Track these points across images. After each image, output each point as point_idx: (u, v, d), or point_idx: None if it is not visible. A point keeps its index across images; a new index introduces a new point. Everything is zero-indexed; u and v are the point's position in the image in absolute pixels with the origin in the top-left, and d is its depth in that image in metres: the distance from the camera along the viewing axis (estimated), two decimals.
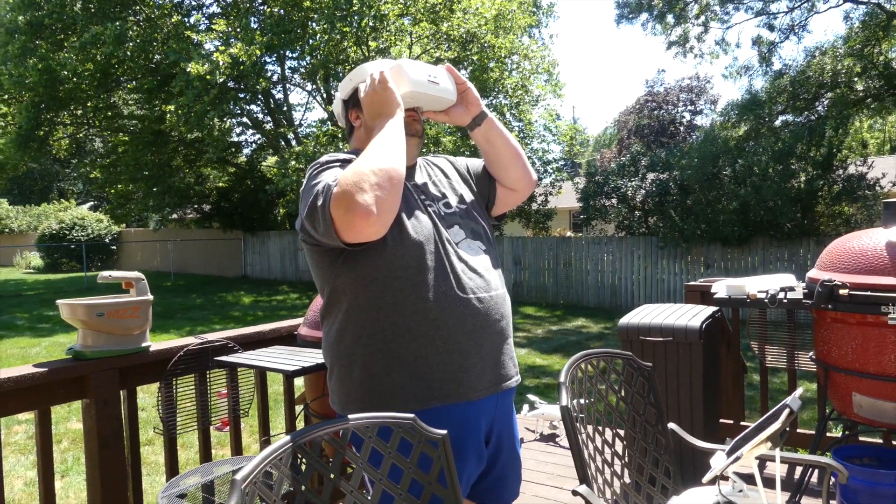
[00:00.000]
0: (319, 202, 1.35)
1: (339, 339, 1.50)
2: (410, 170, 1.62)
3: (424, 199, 1.56)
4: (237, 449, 2.69)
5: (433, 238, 1.49)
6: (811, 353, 2.64)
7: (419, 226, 1.49)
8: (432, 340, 1.44)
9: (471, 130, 1.66)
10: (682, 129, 29.03)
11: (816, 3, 15.21)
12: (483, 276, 1.52)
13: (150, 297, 2.30)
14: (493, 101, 15.24)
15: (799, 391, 1.45)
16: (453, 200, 1.62)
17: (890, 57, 14.01)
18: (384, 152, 1.37)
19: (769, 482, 2.39)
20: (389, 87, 1.48)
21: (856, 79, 13.72)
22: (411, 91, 1.53)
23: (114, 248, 25.31)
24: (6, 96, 15.64)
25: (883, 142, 25.89)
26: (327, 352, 1.55)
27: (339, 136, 13.54)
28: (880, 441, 2.90)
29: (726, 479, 1.46)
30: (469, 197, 1.68)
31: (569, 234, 20.27)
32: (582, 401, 1.70)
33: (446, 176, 1.70)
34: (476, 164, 1.78)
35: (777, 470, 1.34)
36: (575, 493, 1.45)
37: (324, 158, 1.51)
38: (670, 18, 15.87)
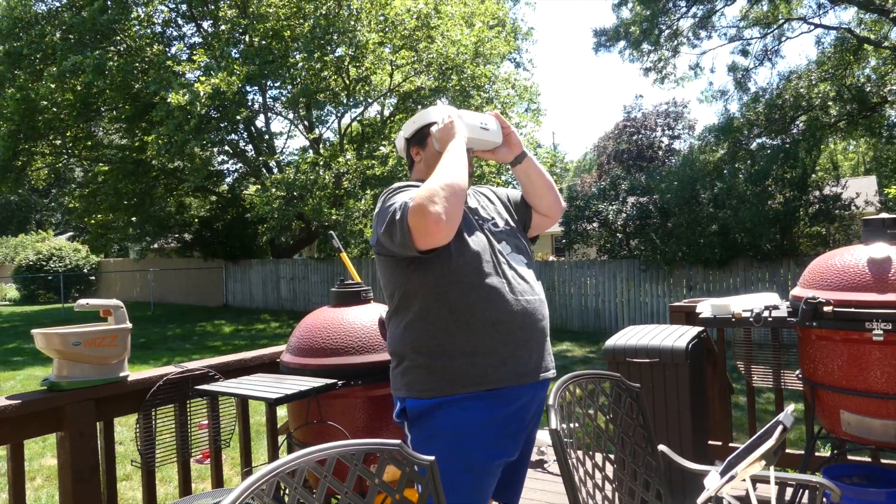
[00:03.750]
0: (398, 216, 1.64)
1: (408, 332, 1.77)
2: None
3: (478, 218, 1.87)
4: (218, 481, 2.62)
5: (488, 249, 1.79)
6: (797, 372, 2.64)
7: (476, 239, 1.78)
8: (489, 333, 1.71)
9: (513, 167, 1.97)
10: (660, 153, 29.46)
11: (786, 30, 15.64)
12: (529, 283, 1.81)
13: (128, 325, 2.24)
14: None
15: (791, 407, 1.44)
16: (500, 222, 1.93)
17: (861, 80, 14.38)
18: (450, 170, 1.68)
19: (763, 503, 2.36)
20: (455, 121, 1.82)
21: (829, 102, 14.05)
22: (466, 136, 1.82)
23: (92, 278, 24.92)
24: None
25: (857, 163, 26.46)
26: (397, 343, 1.81)
27: (321, 163, 13.54)
28: (868, 459, 2.89)
29: (720, 500, 1.44)
30: (510, 220, 1.98)
31: (551, 258, 20.35)
32: (572, 424, 1.68)
33: (491, 202, 2.01)
34: (514, 194, 2.08)
35: (773, 490, 1.32)
36: None
37: (395, 185, 1.82)
38: (646, 46, 16.20)
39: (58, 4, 15.46)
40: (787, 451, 3.20)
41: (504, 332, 1.73)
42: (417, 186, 1.73)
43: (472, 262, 1.73)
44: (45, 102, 13.93)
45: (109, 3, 14.00)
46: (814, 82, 14.28)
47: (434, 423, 1.70)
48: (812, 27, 15.12)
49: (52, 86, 13.62)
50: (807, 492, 2.49)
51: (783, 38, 15.70)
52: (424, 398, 1.73)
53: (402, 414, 1.78)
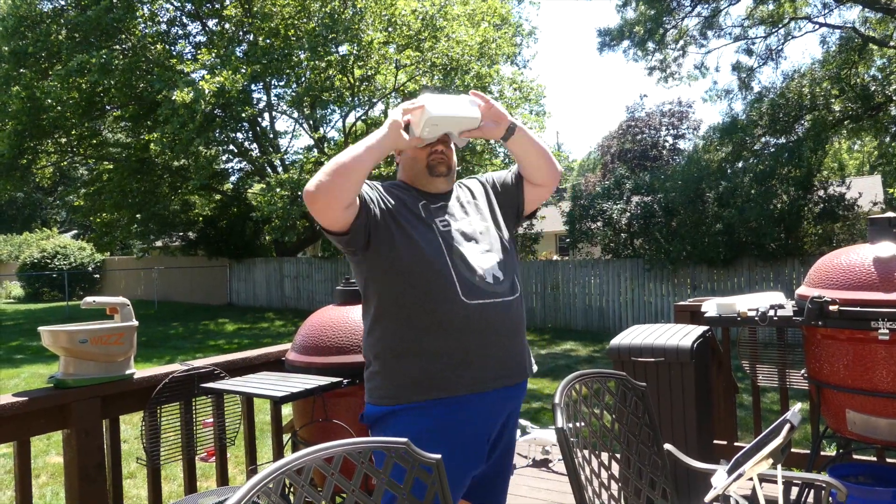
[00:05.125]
0: None
1: (369, 336, 1.77)
2: (440, 196, 1.87)
3: (443, 218, 1.81)
4: (223, 479, 2.62)
5: (442, 251, 1.73)
6: (803, 371, 2.64)
7: (429, 241, 1.73)
8: (439, 337, 1.68)
9: (505, 142, 1.86)
10: (664, 152, 29.40)
11: (792, 29, 15.58)
12: (491, 283, 1.74)
13: (135, 322, 2.25)
14: None
15: (798, 406, 1.43)
16: (475, 218, 1.87)
17: (866, 79, 14.33)
18: (344, 152, 1.65)
19: (770, 502, 2.36)
20: (400, 112, 1.73)
21: (833, 101, 14.00)
22: (432, 117, 1.71)
23: (97, 276, 24.97)
24: None
25: (862, 163, 26.37)
26: (363, 347, 1.82)
27: (324, 162, 13.53)
28: (874, 458, 2.88)
29: (727, 498, 1.43)
30: (490, 214, 1.92)
31: (555, 257, 20.33)
32: (578, 423, 1.67)
33: (473, 196, 1.95)
34: (501, 176, 2.01)
35: (780, 489, 1.32)
36: None
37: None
38: (651, 45, 16.15)
39: (63, 3, 15.50)
40: (793, 450, 3.19)
41: (455, 336, 1.68)
42: (376, 187, 1.78)
43: (420, 264, 1.70)
44: (51, 101, 13.96)
45: (115, 1, 14.02)
46: (818, 81, 14.23)
47: (387, 432, 1.67)
48: (817, 26, 15.06)
49: (58, 84, 13.64)
50: (812, 491, 2.49)
51: (788, 38, 15.65)
52: (380, 405, 1.72)
53: (364, 419, 1.79)
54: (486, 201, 1.95)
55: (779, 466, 1.28)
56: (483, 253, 1.79)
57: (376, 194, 1.77)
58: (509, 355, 1.76)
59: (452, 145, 1.89)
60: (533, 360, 1.90)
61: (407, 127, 1.72)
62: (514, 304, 1.78)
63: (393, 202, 1.77)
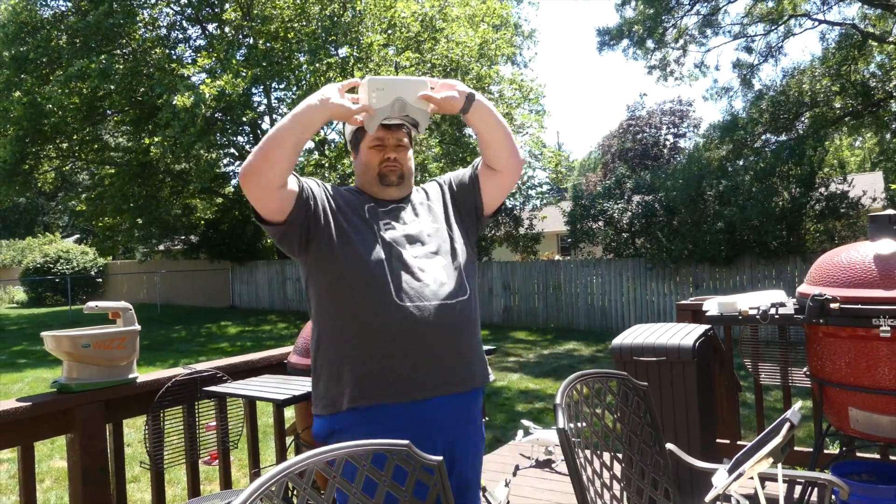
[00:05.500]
0: None
1: (312, 340, 1.73)
2: (393, 201, 1.81)
3: (388, 221, 1.75)
4: (226, 483, 2.63)
5: (380, 254, 1.67)
6: (805, 369, 2.64)
7: (367, 244, 1.68)
8: (372, 343, 1.62)
9: (465, 114, 1.73)
10: (665, 151, 29.40)
11: (792, 26, 15.58)
12: (430, 287, 1.66)
13: (137, 327, 2.26)
14: None
15: (798, 405, 1.44)
16: (425, 220, 1.81)
17: (866, 76, 14.32)
18: (272, 130, 1.58)
19: (771, 501, 2.36)
20: (334, 86, 1.63)
21: (833, 98, 14.00)
22: (374, 80, 1.63)
23: (99, 280, 25.02)
24: None
25: (863, 159, 26.34)
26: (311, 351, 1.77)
27: (326, 164, 13.56)
28: (878, 456, 2.88)
29: (728, 498, 1.44)
30: (445, 215, 1.86)
31: (557, 257, 20.33)
32: (579, 424, 1.68)
33: (428, 198, 1.89)
34: (459, 175, 1.94)
35: (780, 488, 1.32)
36: None
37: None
38: (650, 44, 16.17)
39: (63, 9, 15.54)
40: (796, 448, 3.19)
41: (389, 341, 1.61)
42: (315, 182, 1.75)
43: (355, 266, 1.65)
44: (52, 106, 14.00)
45: (115, 6, 14.05)
46: (818, 78, 14.22)
47: (331, 441, 1.58)
48: (816, 23, 15.07)
49: (59, 90, 13.67)
50: (816, 489, 2.49)
51: (788, 35, 15.65)
52: (323, 415, 1.67)
53: (314, 435, 1.73)
54: (442, 203, 1.88)
55: (779, 465, 1.28)
56: (427, 256, 1.72)
57: (321, 192, 1.72)
58: (452, 361, 1.67)
59: (409, 153, 1.82)
60: (489, 368, 1.82)
61: (353, 93, 1.64)
62: (458, 308, 1.69)
63: (338, 202, 1.73)
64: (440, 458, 1.29)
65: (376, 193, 1.80)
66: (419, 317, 1.62)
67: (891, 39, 14.15)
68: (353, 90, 1.69)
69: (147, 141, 13.75)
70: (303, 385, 2.20)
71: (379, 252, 1.67)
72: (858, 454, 2.92)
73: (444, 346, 1.65)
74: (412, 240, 1.73)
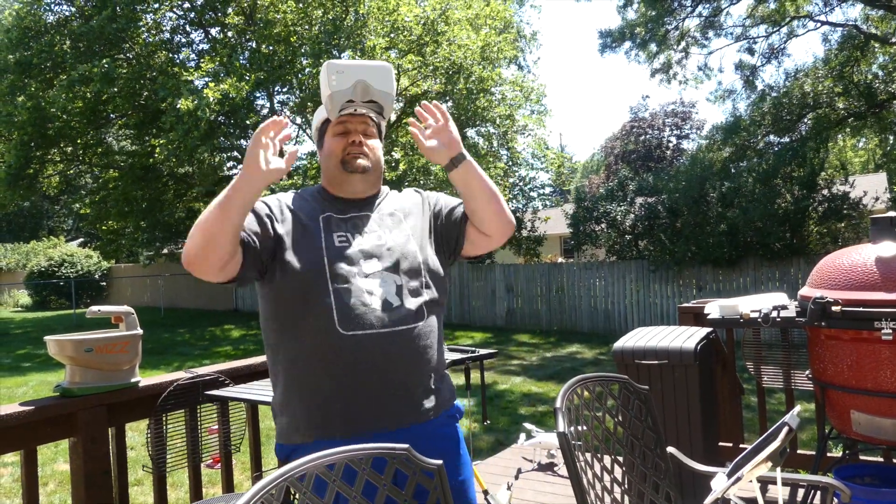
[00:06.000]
0: None
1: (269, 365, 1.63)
2: (355, 203, 1.66)
3: (343, 233, 1.59)
4: (228, 486, 2.63)
5: (325, 274, 1.52)
6: (807, 372, 2.63)
7: (313, 263, 1.53)
8: (309, 373, 1.51)
9: (449, 171, 1.61)
10: (668, 153, 29.37)
11: (794, 27, 15.57)
12: (376, 313, 1.51)
13: (139, 331, 2.27)
14: (481, 130, 15.38)
15: (797, 408, 1.44)
16: (389, 233, 1.63)
17: (869, 77, 14.29)
18: (205, 216, 1.44)
19: None
20: (258, 138, 1.44)
21: (836, 99, 13.98)
22: (332, 64, 1.54)
23: (103, 284, 25.09)
24: None
25: (867, 160, 26.28)
26: None
27: None
28: (881, 459, 2.87)
29: (727, 502, 1.44)
30: (419, 232, 1.68)
31: (560, 260, 20.31)
32: (580, 427, 1.68)
33: (402, 207, 1.71)
34: (448, 201, 1.77)
35: (779, 491, 1.32)
36: None
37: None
38: (653, 46, 16.17)
39: (67, 14, 15.60)
40: (800, 451, 3.19)
41: (326, 371, 1.50)
42: (273, 203, 1.61)
43: (296, 289, 1.52)
44: (56, 111, 14.05)
45: (118, 11, 14.11)
46: (821, 79, 14.21)
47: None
48: (819, 24, 15.05)
49: (63, 94, 13.73)
50: (818, 493, 2.48)
51: (791, 36, 15.65)
52: (278, 442, 1.60)
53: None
54: (420, 216, 1.72)
55: (778, 469, 1.28)
56: (380, 274, 1.56)
57: (267, 219, 1.57)
58: (395, 393, 1.52)
59: (376, 142, 1.67)
60: (446, 399, 1.63)
61: (281, 153, 1.46)
62: (410, 335, 1.54)
63: (287, 222, 1.59)
64: (440, 461, 1.29)
65: (340, 187, 1.66)
66: (361, 346, 1.49)
67: (894, 40, 14.13)
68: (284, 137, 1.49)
69: (153, 143, 13.79)
70: None
71: (323, 273, 1.52)
72: (861, 457, 2.91)
73: (387, 377, 1.51)
74: (368, 255, 1.58)
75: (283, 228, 1.58)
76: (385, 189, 1.76)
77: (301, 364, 1.53)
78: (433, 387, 1.59)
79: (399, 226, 1.66)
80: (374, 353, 1.50)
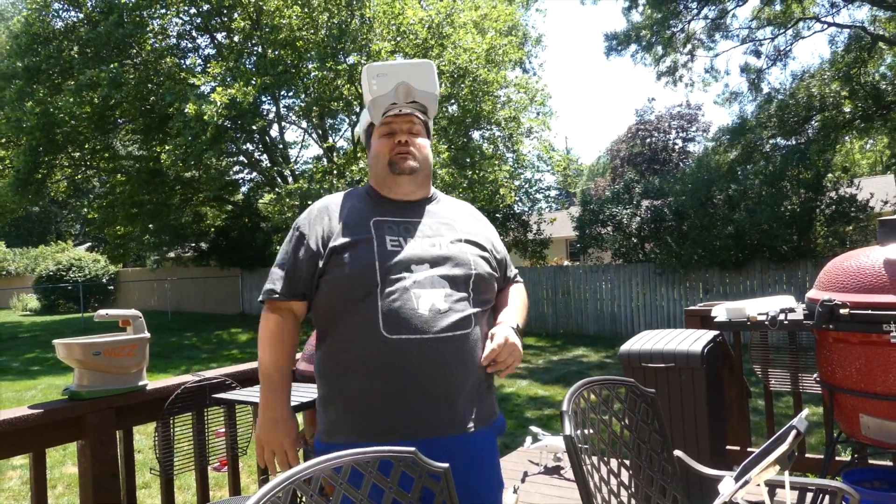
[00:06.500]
0: (265, 287, 1.63)
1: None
2: (405, 207, 1.66)
3: (395, 237, 1.59)
4: (235, 489, 2.64)
5: (374, 277, 1.52)
6: (815, 375, 2.62)
7: (363, 268, 1.53)
8: (353, 376, 1.52)
9: None
10: (674, 155, 29.29)
11: (800, 29, 15.52)
12: (423, 317, 1.50)
13: (147, 334, 2.28)
14: (486, 133, 15.40)
15: (805, 412, 1.43)
16: (445, 241, 1.62)
17: (876, 78, 14.23)
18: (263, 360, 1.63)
19: None
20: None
21: (843, 101, 13.91)
22: (372, 67, 1.56)
23: (111, 288, 25.20)
24: (3, 140, 15.73)
25: (875, 162, 26.15)
26: None
27: (335, 171, 13.62)
28: (890, 463, 2.85)
29: None
30: (472, 243, 1.66)
31: (566, 262, 20.28)
32: (586, 430, 1.67)
33: (457, 219, 1.70)
34: (501, 250, 1.78)
35: (787, 495, 1.32)
36: None
37: (301, 220, 1.66)
38: (659, 49, 16.15)
39: (74, 20, 15.72)
40: (807, 455, 3.17)
41: (368, 375, 1.50)
42: (326, 206, 1.66)
43: (343, 287, 1.54)
44: (64, 116, 14.14)
45: (125, 17, 14.20)
46: (827, 81, 14.15)
47: None
48: (825, 26, 14.99)
49: (71, 100, 13.82)
50: (826, 497, 2.46)
51: (797, 38, 15.59)
52: (317, 439, 1.61)
53: None
54: (475, 228, 1.72)
55: (786, 473, 1.28)
56: (430, 280, 1.54)
57: (315, 240, 1.60)
58: (435, 402, 1.50)
59: (424, 140, 1.66)
60: (488, 414, 1.62)
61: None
62: (455, 343, 1.51)
63: (335, 232, 1.59)
64: (446, 465, 1.29)
65: (390, 188, 1.65)
66: (403, 351, 1.48)
67: None
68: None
69: (159, 149, 13.85)
70: (310, 392, 2.20)
71: (374, 278, 1.52)
72: (871, 461, 2.89)
73: (427, 385, 1.49)
74: (419, 260, 1.56)
75: (332, 240, 1.58)
76: (437, 193, 1.75)
77: (344, 364, 1.54)
78: (476, 399, 1.57)
79: (453, 233, 1.65)
80: (416, 358, 1.48)
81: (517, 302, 1.74)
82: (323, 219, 1.62)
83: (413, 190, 1.67)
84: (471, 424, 1.55)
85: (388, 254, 1.55)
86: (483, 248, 1.67)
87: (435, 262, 1.57)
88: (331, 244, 1.57)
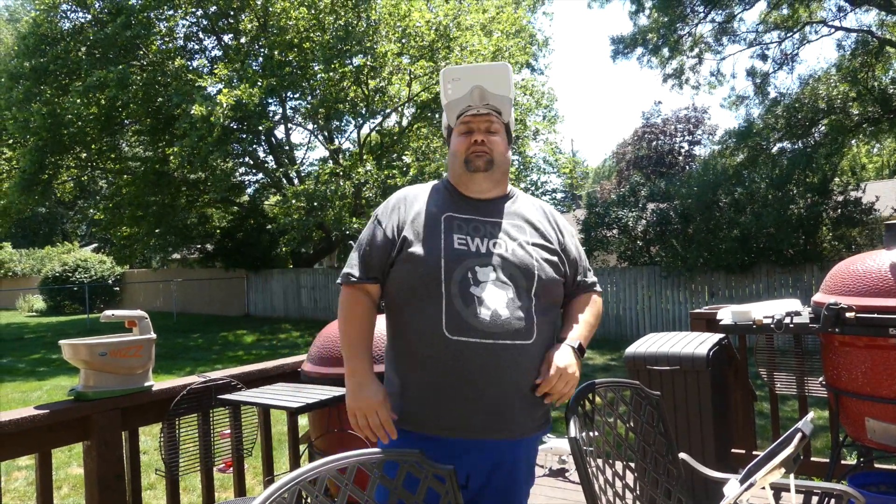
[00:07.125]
0: (343, 271, 1.68)
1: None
2: (481, 204, 1.67)
3: (463, 236, 1.60)
4: (240, 490, 2.64)
5: (439, 275, 1.54)
6: (821, 379, 2.61)
7: (429, 265, 1.56)
8: (414, 370, 1.58)
9: None
10: (680, 158, 29.23)
11: (807, 33, 15.47)
12: (485, 321, 1.51)
13: (153, 335, 2.28)
14: None
15: (811, 415, 1.43)
16: (512, 244, 1.62)
17: (884, 82, 14.17)
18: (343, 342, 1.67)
19: None
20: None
21: (850, 104, 13.86)
22: (448, 71, 1.61)
23: (117, 289, 25.29)
24: (10, 140, 15.81)
25: (882, 166, 26.04)
26: None
27: (340, 173, 13.64)
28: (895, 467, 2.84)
29: None
30: (541, 248, 1.66)
31: None
32: (591, 433, 1.67)
33: (530, 221, 1.70)
34: (572, 253, 1.75)
35: (793, 498, 1.31)
36: None
37: (380, 210, 1.72)
38: (665, 52, 16.12)
39: (82, 21, 15.81)
40: (813, 459, 3.15)
41: (428, 372, 1.54)
42: (404, 197, 1.70)
43: (410, 281, 1.58)
44: (71, 117, 14.21)
45: (132, 19, 14.27)
46: (834, 85, 14.10)
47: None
48: (832, 30, 14.94)
49: (78, 100, 13.89)
50: (832, 500, 2.45)
51: (804, 42, 15.54)
52: (396, 425, 1.62)
53: None
54: (548, 232, 1.71)
55: (791, 476, 1.27)
56: (495, 283, 1.55)
57: (391, 229, 1.65)
58: (486, 406, 1.52)
59: (501, 139, 1.67)
60: (539, 424, 1.63)
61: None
62: (514, 350, 1.52)
63: (408, 223, 1.63)
64: (451, 466, 1.29)
65: (465, 186, 1.67)
66: (464, 353, 1.50)
67: None
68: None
69: (167, 151, 13.91)
70: (316, 393, 2.21)
71: (439, 276, 1.54)
72: (876, 465, 2.88)
73: (485, 389, 1.51)
74: (484, 262, 1.56)
75: (405, 230, 1.63)
76: (515, 191, 1.76)
77: (406, 357, 1.60)
78: (528, 409, 1.57)
79: (522, 235, 1.65)
80: (474, 361, 1.50)
81: (587, 317, 1.72)
82: (399, 208, 1.68)
83: (489, 187, 1.68)
84: (524, 430, 1.58)
85: (454, 252, 1.57)
86: (552, 252, 1.67)
87: (499, 264, 1.58)
88: (402, 233, 1.62)
